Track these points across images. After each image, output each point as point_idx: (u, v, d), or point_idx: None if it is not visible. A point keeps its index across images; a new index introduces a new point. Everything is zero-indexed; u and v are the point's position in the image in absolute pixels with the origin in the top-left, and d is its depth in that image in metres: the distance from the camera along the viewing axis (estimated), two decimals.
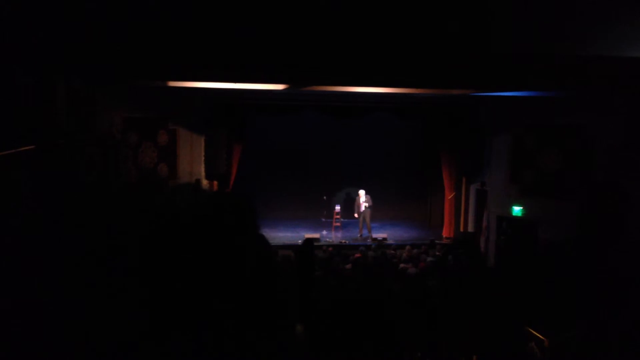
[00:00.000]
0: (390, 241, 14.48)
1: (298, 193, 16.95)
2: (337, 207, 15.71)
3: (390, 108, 14.59)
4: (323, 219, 15.95)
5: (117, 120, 11.97)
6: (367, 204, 14.86)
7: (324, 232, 15.14)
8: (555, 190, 11.82)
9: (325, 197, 15.97)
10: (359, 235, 15.08)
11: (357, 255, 11.45)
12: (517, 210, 12.72)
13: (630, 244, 9.47)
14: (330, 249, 12.44)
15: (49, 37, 6.91)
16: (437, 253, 12.43)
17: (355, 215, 15.11)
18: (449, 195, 15.40)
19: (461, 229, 15.10)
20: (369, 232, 14.91)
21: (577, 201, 10.96)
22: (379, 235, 14.84)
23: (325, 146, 17.01)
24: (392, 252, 12.57)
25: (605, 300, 7.47)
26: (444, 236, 15.33)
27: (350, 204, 16.32)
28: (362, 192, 15.01)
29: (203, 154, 13.68)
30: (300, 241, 13.07)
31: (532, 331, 6.82)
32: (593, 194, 10.64)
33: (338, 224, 15.67)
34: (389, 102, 14.04)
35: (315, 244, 12.94)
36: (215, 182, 13.75)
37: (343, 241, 14.40)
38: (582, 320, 6.81)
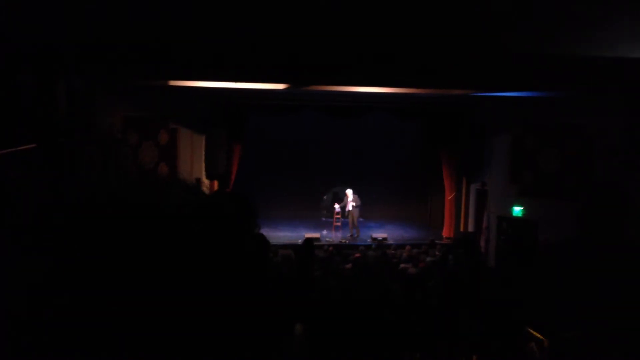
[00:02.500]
0: (390, 241, 14.48)
1: (298, 193, 16.95)
2: (337, 207, 15.71)
3: (391, 108, 14.59)
4: (323, 219, 15.95)
5: (117, 120, 11.96)
6: (354, 204, 14.82)
7: (324, 232, 15.14)
8: (555, 190, 11.81)
9: (325, 197, 15.97)
10: (349, 235, 15.01)
11: (357, 255, 11.45)
12: (517, 210, 12.72)
13: (630, 244, 9.46)
14: (330, 248, 12.45)
15: (49, 36, 6.92)
16: (437, 253, 12.44)
17: (337, 207, 15.11)
18: (449, 196, 15.39)
19: (461, 229, 15.10)
20: (357, 231, 14.90)
21: (577, 201, 10.95)
22: (379, 235, 14.83)
23: (326, 146, 17.01)
24: (392, 252, 12.58)
25: (605, 301, 7.47)
26: (444, 236, 15.33)
27: None
28: (349, 192, 14.97)
29: (203, 153, 13.68)
30: (300, 241, 13.08)
31: (532, 331, 6.82)
32: (593, 194, 10.63)
33: (338, 223, 15.66)
34: (389, 102, 14.03)
35: (316, 243, 12.95)
36: (216, 182, 13.76)
37: (343, 240, 14.40)
38: (582, 321, 6.82)
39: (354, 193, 15.01)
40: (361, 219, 15.71)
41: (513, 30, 7.32)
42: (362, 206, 15.18)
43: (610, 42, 7.55)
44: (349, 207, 14.85)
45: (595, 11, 6.32)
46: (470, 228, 14.82)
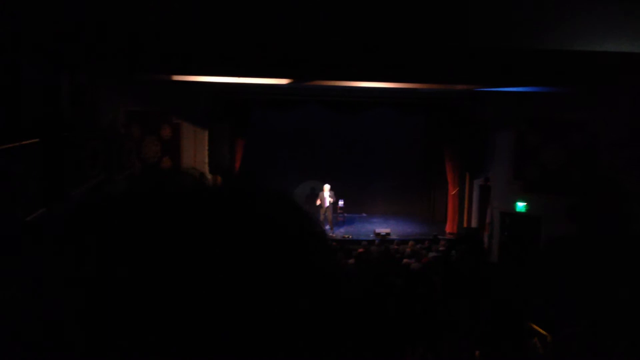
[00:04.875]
0: (393, 236, 14.46)
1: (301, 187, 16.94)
2: (341, 202, 15.68)
3: (394, 103, 14.57)
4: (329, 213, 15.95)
5: (121, 114, 11.96)
6: (330, 199, 14.73)
7: (327, 227, 15.14)
8: (559, 186, 11.79)
9: (332, 192, 15.96)
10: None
11: (360, 250, 11.45)
12: (520, 206, 12.70)
13: (631, 241, 9.44)
14: (334, 243, 12.45)
15: (53, 30, 6.91)
16: (441, 248, 12.43)
17: (317, 202, 14.81)
18: (452, 191, 15.37)
19: (464, 225, 15.08)
20: (331, 228, 14.77)
21: (577, 197, 10.93)
22: (383, 230, 14.81)
23: (329, 141, 16.99)
24: (396, 247, 12.57)
25: (608, 297, 7.46)
26: (447, 231, 15.32)
27: (354, 198, 16.31)
28: (327, 187, 14.81)
29: (206, 148, 13.69)
30: None
31: (535, 327, 6.82)
32: (592, 190, 10.60)
33: (341, 218, 15.65)
34: (392, 97, 14.01)
35: None
36: (219, 177, 13.76)
37: (346, 236, 14.39)
38: (585, 316, 6.81)
39: (330, 189, 14.88)
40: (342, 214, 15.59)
41: (517, 25, 7.29)
42: (336, 203, 15.06)
43: (613, 38, 7.51)
44: (326, 203, 14.68)
45: (598, 7, 6.30)
46: (474, 223, 14.81)
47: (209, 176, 13.48)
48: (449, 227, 15.44)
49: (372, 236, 14.26)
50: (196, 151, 13.58)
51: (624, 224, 9.91)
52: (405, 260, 10.93)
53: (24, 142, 6.57)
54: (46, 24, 6.79)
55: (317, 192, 15.18)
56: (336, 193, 15.34)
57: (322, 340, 0.49)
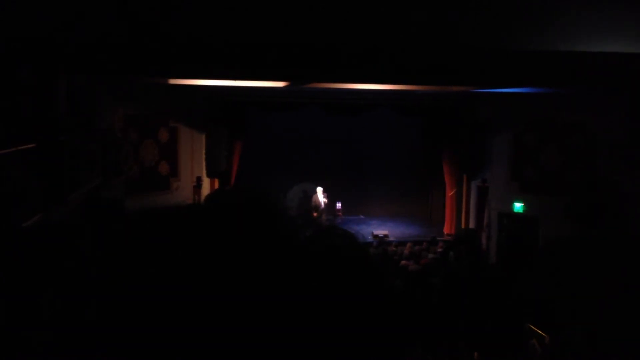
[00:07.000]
0: (391, 238, 14.45)
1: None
2: (339, 205, 15.66)
3: (392, 105, 14.58)
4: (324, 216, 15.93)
5: (118, 118, 11.93)
6: (325, 201, 14.74)
7: None
8: (556, 187, 11.80)
9: (325, 194, 15.96)
10: None
11: None
12: (518, 206, 12.71)
13: (630, 242, 9.45)
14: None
15: (49, 32, 6.90)
16: (439, 250, 12.43)
17: (314, 214, 14.71)
18: (450, 192, 15.37)
19: (462, 226, 15.08)
20: None
21: (574, 198, 10.94)
22: (380, 232, 14.78)
23: (326, 143, 16.98)
24: (393, 249, 12.56)
25: (607, 297, 7.47)
26: (445, 233, 15.30)
27: (352, 200, 16.29)
28: (320, 189, 14.84)
29: (204, 151, 13.67)
30: None
31: (533, 328, 6.82)
32: (590, 191, 10.61)
33: (339, 220, 15.61)
34: (390, 99, 14.02)
35: None
36: (217, 180, 13.75)
37: None
38: (583, 317, 6.82)
39: (323, 191, 14.88)
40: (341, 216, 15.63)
41: (514, 26, 7.31)
42: (334, 205, 15.08)
43: (612, 39, 7.54)
44: (322, 205, 14.66)
45: (596, 8, 6.32)
46: (471, 225, 14.80)
47: (206, 180, 13.48)
48: (446, 229, 15.43)
49: (370, 238, 14.24)
50: (193, 155, 13.57)
51: (622, 225, 9.92)
52: (403, 262, 10.93)
53: (20, 147, 6.56)
54: (42, 26, 6.78)
55: (310, 194, 15.17)
56: (334, 195, 15.31)
57: (322, 340, 0.49)
